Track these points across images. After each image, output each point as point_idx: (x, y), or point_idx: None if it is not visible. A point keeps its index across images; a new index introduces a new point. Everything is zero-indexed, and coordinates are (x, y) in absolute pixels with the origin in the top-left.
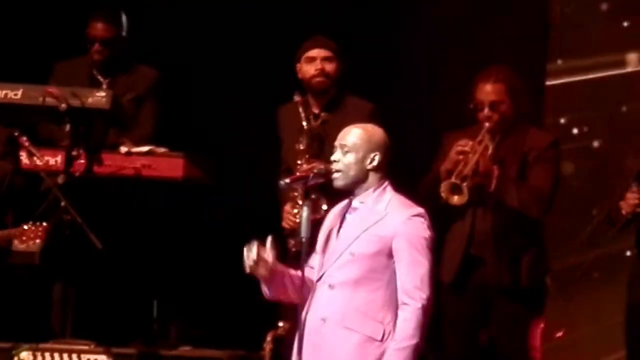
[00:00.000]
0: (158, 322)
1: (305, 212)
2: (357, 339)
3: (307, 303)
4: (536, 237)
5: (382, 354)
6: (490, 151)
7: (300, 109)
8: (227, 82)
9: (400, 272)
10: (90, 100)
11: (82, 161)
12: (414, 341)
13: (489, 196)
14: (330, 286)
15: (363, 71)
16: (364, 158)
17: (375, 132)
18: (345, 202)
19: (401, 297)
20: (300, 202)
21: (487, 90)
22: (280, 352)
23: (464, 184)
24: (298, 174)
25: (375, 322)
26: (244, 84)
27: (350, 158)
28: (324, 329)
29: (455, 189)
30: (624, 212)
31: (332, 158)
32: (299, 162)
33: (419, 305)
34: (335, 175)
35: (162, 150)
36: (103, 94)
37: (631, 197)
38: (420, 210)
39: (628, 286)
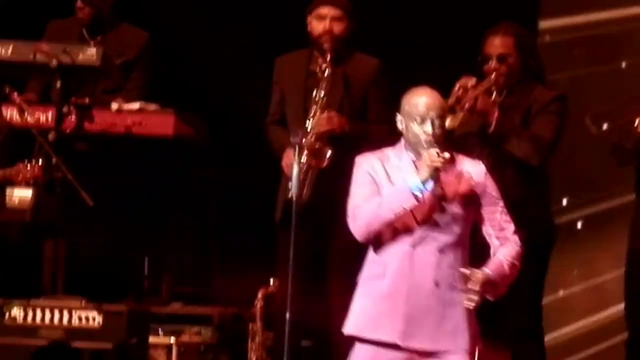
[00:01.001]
0: (149, 279)
1: (295, 169)
2: None
3: (400, 265)
4: (538, 188)
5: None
6: (493, 98)
7: (312, 59)
8: (217, 40)
9: (495, 216)
10: (80, 57)
11: (73, 118)
12: (517, 266)
13: (490, 139)
14: (440, 249)
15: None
16: None
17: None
18: (387, 156)
19: (503, 234)
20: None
21: (496, 44)
22: (270, 308)
23: (459, 110)
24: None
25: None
26: (234, 41)
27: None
28: (436, 292)
29: (450, 110)
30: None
31: (431, 132)
32: (313, 110)
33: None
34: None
35: (153, 107)
36: (93, 50)
37: None
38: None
39: (630, 232)
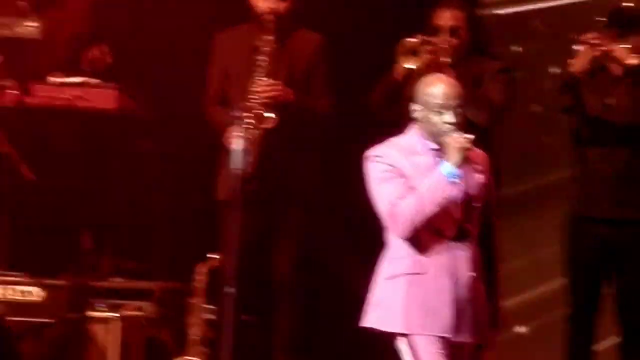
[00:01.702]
0: (90, 253)
1: (239, 144)
2: (482, 290)
3: (442, 260)
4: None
5: None
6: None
7: (255, 35)
8: (158, 16)
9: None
10: (19, 29)
11: (14, 92)
12: None
13: None
14: (470, 242)
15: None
16: None
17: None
18: (401, 145)
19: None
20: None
21: (447, 16)
22: (215, 283)
23: (422, 51)
24: None
25: None
26: (174, 17)
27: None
28: (472, 284)
29: (413, 52)
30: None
31: (452, 121)
32: (257, 81)
33: None
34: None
35: (95, 81)
36: (34, 23)
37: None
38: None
39: (569, 200)
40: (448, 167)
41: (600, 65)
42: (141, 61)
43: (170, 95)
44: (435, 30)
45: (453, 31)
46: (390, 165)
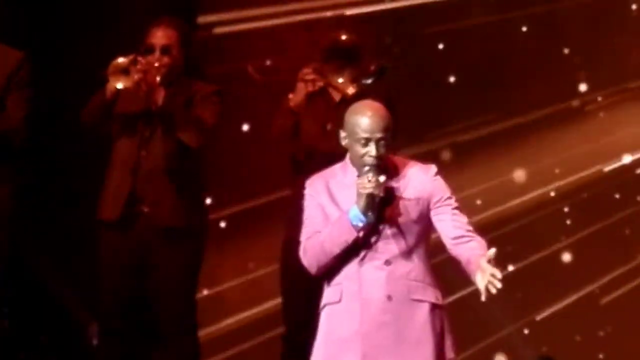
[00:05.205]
0: None
1: None
2: (426, 309)
3: (349, 284)
4: (196, 175)
5: (445, 318)
6: (158, 80)
7: None
8: None
9: (447, 220)
10: None
11: None
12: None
13: (155, 116)
14: (387, 262)
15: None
16: None
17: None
18: (334, 173)
19: (460, 232)
20: None
21: (160, 35)
22: None
23: (133, 70)
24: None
25: (432, 287)
26: None
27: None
28: (390, 306)
29: (124, 71)
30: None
31: (374, 154)
32: None
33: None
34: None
35: None
36: None
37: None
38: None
39: (285, 223)
40: (354, 211)
41: (320, 92)
42: None
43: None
44: (149, 49)
45: (165, 50)
46: (310, 195)
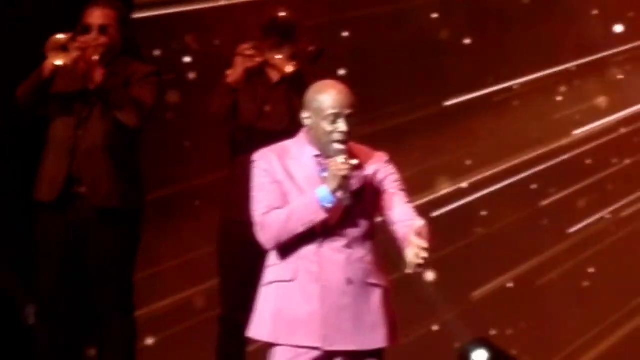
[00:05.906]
0: None
1: None
2: (380, 293)
3: (308, 266)
4: (134, 155)
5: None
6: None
7: None
8: None
9: (397, 204)
10: None
11: None
12: None
13: (93, 95)
14: (347, 245)
15: None
16: None
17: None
18: (286, 150)
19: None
20: None
21: (97, 14)
22: None
23: (72, 48)
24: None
25: (382, 271)
26: None
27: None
28: (349, 290)
29: (63, 48)
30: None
31: (345, 129)
32: None
33: None
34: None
35: None
36: None
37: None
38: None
39: (222, 203)
40: (324, 192)
41: (257, 72)
42: None
43: None
44: (86, 29)
45: (102, 29)
46: (264, 170)
